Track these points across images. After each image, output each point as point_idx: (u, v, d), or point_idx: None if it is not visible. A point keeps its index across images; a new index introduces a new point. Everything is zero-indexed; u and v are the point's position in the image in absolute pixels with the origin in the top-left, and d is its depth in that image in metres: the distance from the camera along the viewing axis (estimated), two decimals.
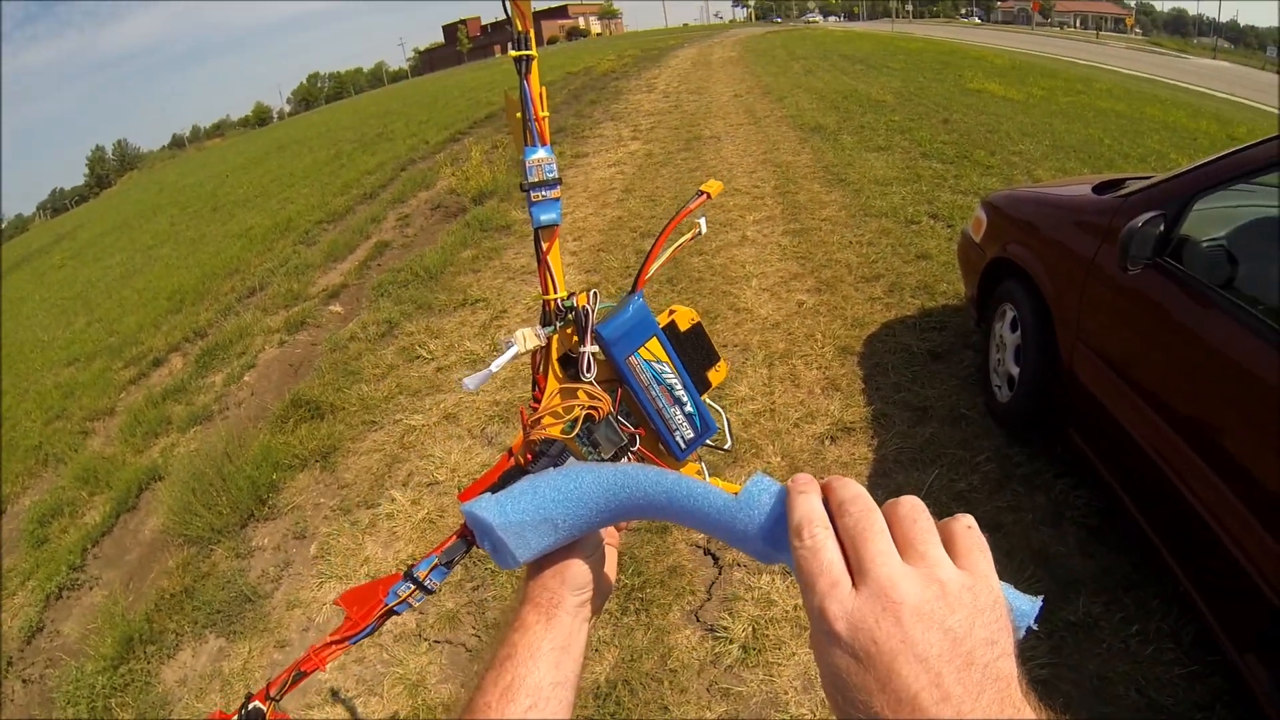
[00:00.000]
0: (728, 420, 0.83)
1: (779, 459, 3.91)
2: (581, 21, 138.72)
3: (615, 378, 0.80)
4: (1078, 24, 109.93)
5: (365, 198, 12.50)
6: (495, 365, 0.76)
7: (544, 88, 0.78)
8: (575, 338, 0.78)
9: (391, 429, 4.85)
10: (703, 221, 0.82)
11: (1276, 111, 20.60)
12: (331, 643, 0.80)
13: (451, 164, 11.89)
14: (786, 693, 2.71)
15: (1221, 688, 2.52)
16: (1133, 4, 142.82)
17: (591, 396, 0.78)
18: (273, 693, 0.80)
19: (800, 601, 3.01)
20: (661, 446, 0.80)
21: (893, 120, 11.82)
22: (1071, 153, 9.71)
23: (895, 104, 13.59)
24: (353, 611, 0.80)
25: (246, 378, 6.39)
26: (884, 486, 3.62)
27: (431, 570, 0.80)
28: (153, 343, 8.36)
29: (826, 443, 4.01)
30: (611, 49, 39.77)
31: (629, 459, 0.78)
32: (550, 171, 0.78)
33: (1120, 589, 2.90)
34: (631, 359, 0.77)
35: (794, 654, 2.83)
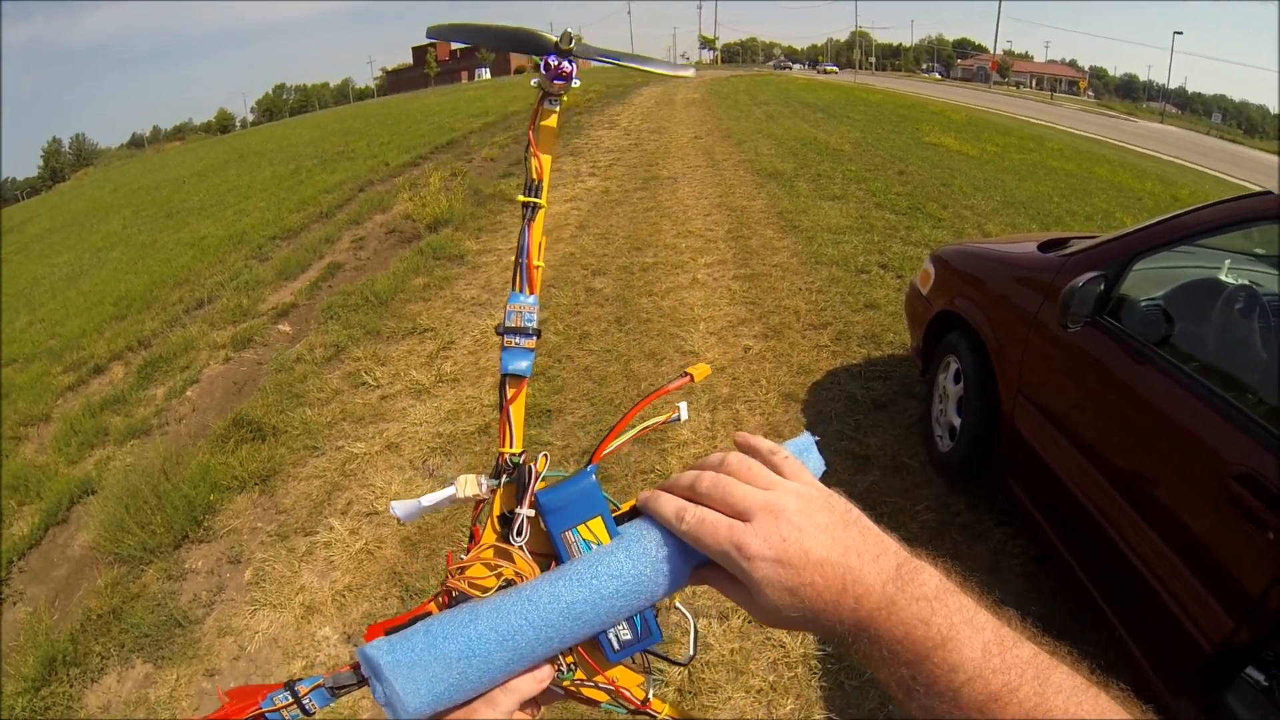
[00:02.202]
0: (696, 627, 0.77)
1: None
2: None
3: (550, 551, 0.73)
4: (1033, 84, 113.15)
5: (321, 216, 12.39)
6: (427, 500, 0.74)
7: (544, 238, 0.80)
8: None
9: (333, 455, 4.80)
10: (683, 406, 0.80)
11: (1219, 176, 21.38)
12: None
13: (410, 189, 11.84)
14: None
15: None
16: (1086, 68, 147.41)
17: (520, 564, 0.72)
18: None
19: (735, 646, 3.03)
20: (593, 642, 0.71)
21: (849, 170, 12.03)
22: (1021, 209, 9.98)
23: (853, 154, 13.84)
24: (229, 706, 0.69)
25: (189, 393, 6.28)
26: None
27: (313, 689, 0.68)
28: (95, 349, 8.16)
29: None
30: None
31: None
32: (530, 320, 0.78)
33: (1056, 635, 2.93)
34: (568, 534, 0.70)
35: (729, 698, 2.84)
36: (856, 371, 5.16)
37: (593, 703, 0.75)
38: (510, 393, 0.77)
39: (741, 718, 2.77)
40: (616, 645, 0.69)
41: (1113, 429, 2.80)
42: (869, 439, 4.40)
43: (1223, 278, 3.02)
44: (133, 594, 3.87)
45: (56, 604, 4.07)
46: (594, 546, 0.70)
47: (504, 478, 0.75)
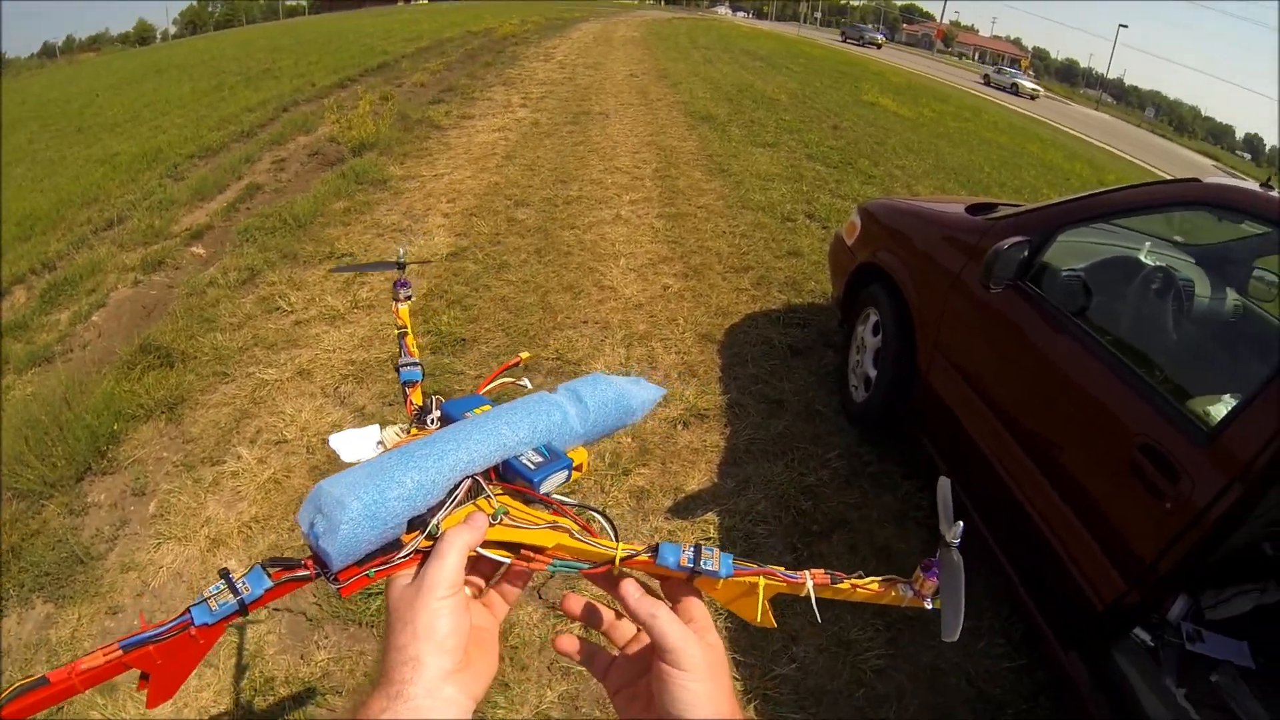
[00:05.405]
0: (612, 526, 0.82)
1: (630, 439, 3.94)
2: None
3: None
4: (976, 57, 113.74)
5: (242, 135, 11.88)
6: (361, 430, 0.91)
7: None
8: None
9: (243, 382, 4.66)
10: (527, 380, 1.09)
11: (1146, 166, 22.08)
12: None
13: (336, 111, 11.46)
14: None
15: (1046, 681, 2.74)
16: (1030, 48, 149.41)
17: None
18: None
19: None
20: (520, 482, 0.81)
21: (784, 119, 12.03)
22: (952, 174, 10.14)
23: (789, 104, 13.84)
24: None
25: (95, 317, 6.03)
26: (733, 475, 3.70)
27: (248, 571, 0.68)
28: None
29: (679, 427, 4.07)
30: (516, 12, 38.97)
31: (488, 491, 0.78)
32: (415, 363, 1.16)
33: None
34: (466, 414, 0.88)
35: None
36: (775, 317, 5.20)
37: (538, 554, 0.76)
38: (409, 390, 1.08)
39: None
40: (531, 465, 0.79)
41: (1024, 391, 2.87)
42: (784, 384, 4.44)
43: (1142, 258, 3.10)
44: (32, 530, 3.69)
45: None
46: None
47: (413, 422, 0.96)
